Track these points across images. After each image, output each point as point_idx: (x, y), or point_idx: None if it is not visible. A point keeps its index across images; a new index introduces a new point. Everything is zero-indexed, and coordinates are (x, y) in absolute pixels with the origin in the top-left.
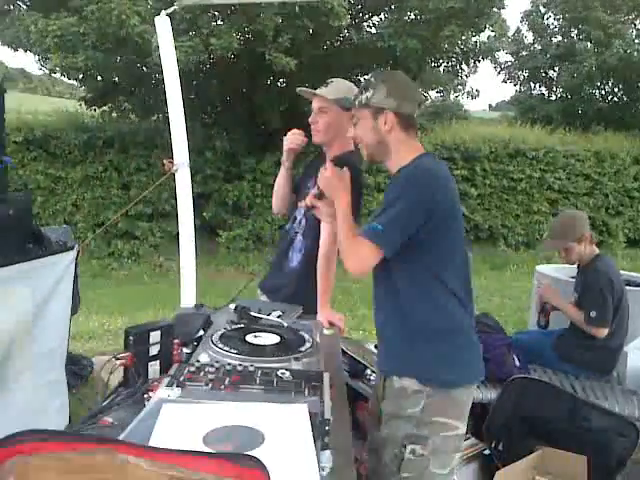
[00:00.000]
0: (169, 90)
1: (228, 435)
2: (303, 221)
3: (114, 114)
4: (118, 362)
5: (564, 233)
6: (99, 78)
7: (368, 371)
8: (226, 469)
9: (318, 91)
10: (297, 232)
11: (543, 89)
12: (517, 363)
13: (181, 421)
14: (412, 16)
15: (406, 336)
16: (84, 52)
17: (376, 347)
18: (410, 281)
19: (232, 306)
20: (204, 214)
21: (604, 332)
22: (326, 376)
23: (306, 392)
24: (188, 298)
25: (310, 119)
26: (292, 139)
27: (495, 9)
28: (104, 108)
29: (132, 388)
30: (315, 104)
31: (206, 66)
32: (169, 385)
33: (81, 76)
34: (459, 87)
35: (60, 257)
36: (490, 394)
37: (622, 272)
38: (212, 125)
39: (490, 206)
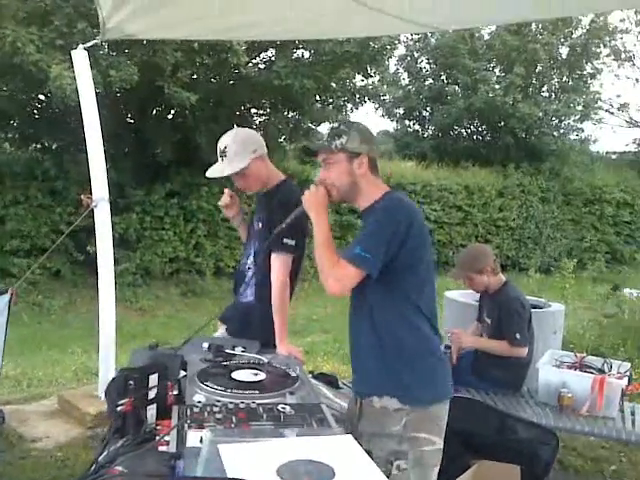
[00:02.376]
0: (87, 124)
1: (299, 469)
2: (254, 257)
3: None
4: (120, 409)
5: (467, 265)
6: None
7: None
8: None
9: (226, 172)
10: (249, 267)
11: (417, 127)
12: None
13: (246, 459)
14: (307, 56)
15: (384, 358)
16: None
17: (315, 376)
18: (388, 306)
19: (205, 344)
20: (88, 248)
21: (525, 351)
22: (324, 407)
23: (314, 424)
24: (107, 340)
25: (235, 185)
26: (223, 203)
27: (385, 57)
28: None
29: (132, 435)
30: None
31: (98, 97)
32: (181, 428)
33: None
34: None
35: None
36: None
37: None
38: None
39: None
